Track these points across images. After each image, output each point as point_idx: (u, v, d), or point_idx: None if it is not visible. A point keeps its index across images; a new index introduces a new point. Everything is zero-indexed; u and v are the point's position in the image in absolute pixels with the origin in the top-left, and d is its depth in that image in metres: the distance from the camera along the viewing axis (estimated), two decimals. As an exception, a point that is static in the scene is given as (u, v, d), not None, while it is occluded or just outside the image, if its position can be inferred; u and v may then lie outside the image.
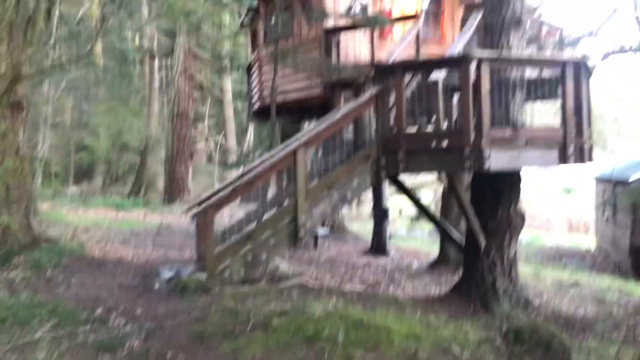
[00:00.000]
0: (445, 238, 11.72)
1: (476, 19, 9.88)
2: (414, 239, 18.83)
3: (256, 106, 14.71)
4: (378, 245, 13.33)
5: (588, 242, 24.70)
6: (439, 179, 12.07)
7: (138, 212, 19.79)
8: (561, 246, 23.68)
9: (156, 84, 26.78)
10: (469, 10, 11.16)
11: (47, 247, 8.82)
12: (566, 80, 6.79)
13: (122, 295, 6.62)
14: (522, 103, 7.29)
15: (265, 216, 7.41)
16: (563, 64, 6.80)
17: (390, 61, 8.75)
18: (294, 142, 7.01)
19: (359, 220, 22.63)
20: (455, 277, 11.09)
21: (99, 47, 28.18)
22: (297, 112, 14.09)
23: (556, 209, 32.04)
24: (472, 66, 6.44)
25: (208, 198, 7.20)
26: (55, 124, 26.54)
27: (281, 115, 12.49)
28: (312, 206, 6.80)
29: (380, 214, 13.57)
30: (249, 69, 16.34)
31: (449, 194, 11.96)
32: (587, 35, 10.68)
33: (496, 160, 6.55)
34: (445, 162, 6.70)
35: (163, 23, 24.82)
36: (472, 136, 6.44)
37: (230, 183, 7.20)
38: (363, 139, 7.58)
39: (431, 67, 7.10)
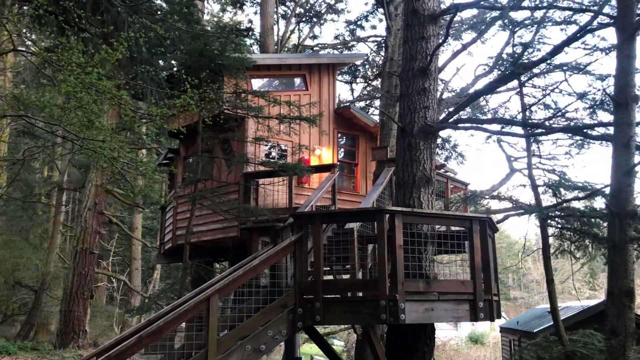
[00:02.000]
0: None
1: (388, 173, 10.49)
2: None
3: (168, 246, 14.33)
4: (289, 398, 12.64)
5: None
6: (353, 327, 11.91)
7: (24, 358, 17.91)
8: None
9: (61, 217, 25.63)
10: (381, 165, 11.88)
11: None
12: (473, 236, 7.17)
13: None
14: (434, 256, 7.56)
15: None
16: (470, 221, 7.22)
17: (308, 209, 8.96)
18: (207, 289, 6.75)
19: (268, 369, 21.52)
20: None
21: (3, 177, 27.07)
22: (211, 253, 13.84)
23: (465, 358, 32.18)
24: (386, 219, 6.69)
25: (110, 347, 6.62)
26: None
27: (194, 256, 12.19)
28: (224, 359, 6.41)
29: (292, 364, 13.01)
30: (163, 208, 16.12)
31: (363, 345, 11.78)
32: (490, 192, 11.54)
33: (411, 312, 6.59)
34: (361, 313, 6.65)
35: (77, 157, 24.46)
36: (388, 287, 6.50)
37: (136, 330, 6.70)
38: (280, 286, 7.44)
39: (348, 217, 7.31)
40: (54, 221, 24.66)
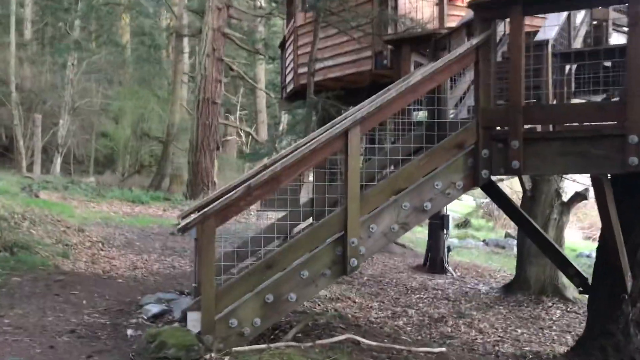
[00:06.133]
0: (524, 257, 9.20)
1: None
2: (469, 250, 16.15)
3: (290, 88, 12.37)
4: (434, 261, 10.98)
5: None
6: (520, 179, 9.42)
7: (157, 207, 17.86)
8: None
9: (183, 67, 24.61)
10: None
11: (3, 256, 6.54)
12: None
13: (65, 355, 4.17)
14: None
15: (297, 232, 4.92)
16: None
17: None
18: (344, 121, 4.52)
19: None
20: (540, 309, 8.59)
21: (127, 28, 26.38)
22: (338, 96, 11.69)
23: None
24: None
25: (212, 200, 4.78)
26: (76, 109, 24.69)
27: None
28: (371, 220, 4.30)
29: (437, 222, 11.07)
30: (282, 46, 14.06)
31: (532, 203, 9.38)
32: None
33: (678, 156, 3.95)
34: (591, 156, 4.09)
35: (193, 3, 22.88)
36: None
37: (246, 179, 4.74)
38: (448, 118, 5.03)
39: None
40: (175, 70, 23.72)
